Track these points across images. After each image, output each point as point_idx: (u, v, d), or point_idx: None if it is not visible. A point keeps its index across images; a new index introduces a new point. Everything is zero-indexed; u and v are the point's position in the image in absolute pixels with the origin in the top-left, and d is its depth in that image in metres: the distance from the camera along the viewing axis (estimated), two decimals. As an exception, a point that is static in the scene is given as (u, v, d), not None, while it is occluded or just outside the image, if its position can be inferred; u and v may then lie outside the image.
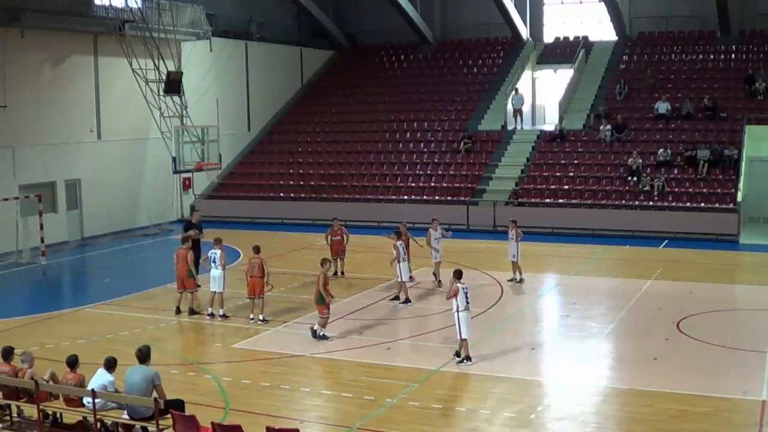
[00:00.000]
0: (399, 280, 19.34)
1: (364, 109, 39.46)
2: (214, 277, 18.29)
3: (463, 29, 43.10)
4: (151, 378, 10.87)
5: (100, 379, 10.99)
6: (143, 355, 11.15)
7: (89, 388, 10.85)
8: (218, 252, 18.38)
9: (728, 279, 23.11)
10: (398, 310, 18.83)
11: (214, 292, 18.37)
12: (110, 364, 11.21)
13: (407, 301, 19.23)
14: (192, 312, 18.62)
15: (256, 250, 18.16)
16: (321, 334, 16.43)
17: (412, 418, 12.32)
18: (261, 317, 17.88)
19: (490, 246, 24.46)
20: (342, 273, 22.54)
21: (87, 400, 10.95)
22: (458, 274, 14.77)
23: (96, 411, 10.72)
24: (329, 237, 22.63)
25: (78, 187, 30.21)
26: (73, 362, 11.42)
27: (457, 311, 14.61)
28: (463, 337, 14.72)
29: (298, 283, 22.08)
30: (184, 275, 18.57)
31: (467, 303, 14.68)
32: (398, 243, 19.40)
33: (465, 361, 14.72)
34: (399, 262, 19.20)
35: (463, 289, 14.66)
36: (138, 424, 10.84)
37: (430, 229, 21.16)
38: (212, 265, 18.33)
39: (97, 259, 27.40)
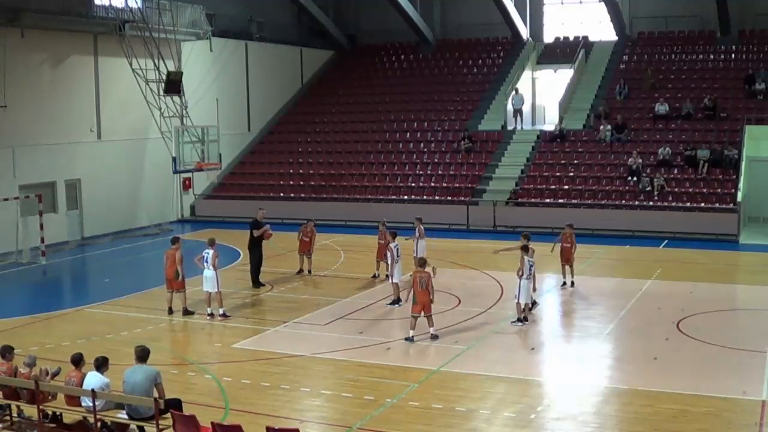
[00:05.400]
0: (392, 281, 19.31)
1: (364, 109, 39.47)
2: (207, 278, 18.26)
3: (463, 29, 43.10)
4: (153, 377, 10.90)
5: (92, 381, 10.95)
6: (143, 355, 11.16)
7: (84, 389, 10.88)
8: (211, 252, 18.37)
9: (728, 279, 23.11)
10: (397, 310, 18.81)
11: (209, 293, 18.35)
12: (100, 364, 11.19)
13: (397, 301, 19.18)
14: (186, 312, 18.58)
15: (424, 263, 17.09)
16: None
17: (412, 418, 12.32)
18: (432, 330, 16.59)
19: (490, 246, 24.44)
20: (309, 271, 23.01)
21: (84, 400, 10.97)
22: (525, 249, 17.49)
23: (96, 411, 10.73)
24: (300, 236, 23.09)
25: (78, 187, 30.22)
26: (77, 360, 11.46)
27: (520, 278, 17.15)
28: (519, 301, 17.27)
29: (298, 283, 22.12)
30: (172, 276, 18.52)
31: (530, 272, 17.21)
32: (393, 244, 19.35)
33: (518, 322, 17.27)
34: (394, 263, 19.13)
35: (528, 261, 17.22)
36: (136, 424, 10.86)
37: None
38: (205, 265, 18.33)
39: (97, 259, 27.39)
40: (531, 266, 17.40)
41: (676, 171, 30.85)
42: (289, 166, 36.77)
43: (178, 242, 18.96)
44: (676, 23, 38.76)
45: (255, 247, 21.57)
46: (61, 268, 26.04)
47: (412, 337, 16.30)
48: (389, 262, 19.38)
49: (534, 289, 17.65)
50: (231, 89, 37.12)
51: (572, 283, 21.08)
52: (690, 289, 20.59)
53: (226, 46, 36.84)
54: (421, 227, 22.14)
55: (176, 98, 31.20)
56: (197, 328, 17.95)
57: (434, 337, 16.32)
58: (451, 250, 25.75)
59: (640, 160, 30.70)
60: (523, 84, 38.39)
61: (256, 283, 21.41)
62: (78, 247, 29.02)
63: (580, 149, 33.23)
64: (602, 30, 40.63)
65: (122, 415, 10.89)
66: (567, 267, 21.09)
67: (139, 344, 11.58)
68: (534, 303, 18.29)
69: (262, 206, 23.77)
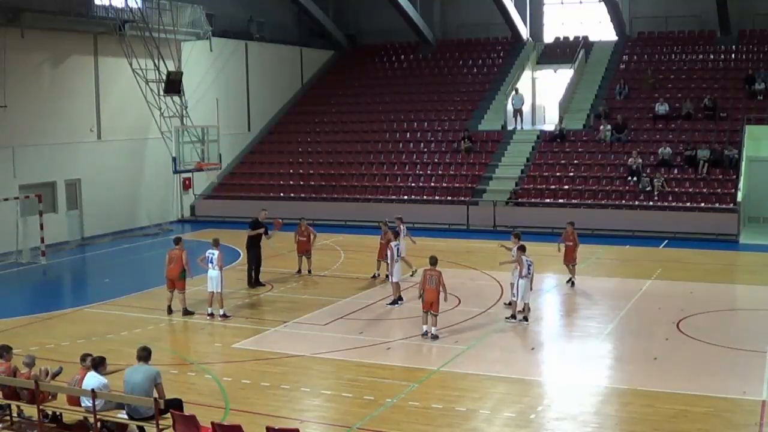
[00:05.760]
0: (392, 280, 19.32)
1: (364, 109, 39.47)
2: (212, 278, 18.24)
3: (463, 29, 43.11)
4: (153, 377, 10.94)
5: (90, 382, 10.95)
6: (143, 355, 11.19)
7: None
8: (216, 252, 18.37)
9: (728, 279, 23.12)
10: (397, 310, 18.82)
11: (212, 293, 18.36)
12: (97, 363, 11.20)
13: (398, 300, 19.20)
14: (186, 312, 18.57)
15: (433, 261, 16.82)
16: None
17: (412, 418, 12.32)
18: (433, 330, 16.55)
19: (490, 246, 24.42)
20: (309, 271, 23.01)
21: (83, 400, 10.97)
22: (523, 248, 17.73)
23: (96, 411, 10.73)
24: (296, 236, 23.07)
25: (78, 187, 30.21)
26: (84, 358, 11.50)
27: (519, 277, 17.33)
28: (516, 300, 17.52)
29: (298, 283, 22.12)
30: (176, 276, 18.49)
31: (529, 271, 17.38)
32: (393, 243, 19.38)
33: (512, 319, 17.50)
34: (393, 262, 19.15)
35: (527, 261, 17.38)
36: (136, 424, 10.86)
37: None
38: (210, 265, 18.31)
39: (97, 259, 27.39)
40: (530, 265, 17.48)
41: (676, 171, 30.84)
42: (289, 166, 36.77)
43: (182, 242, 18.97)
44: (676, 23, 38.76)
45: (253, 247, 21.55)
46: (61, 268, 26.04)
47: (426, 331, 16.40)
48: (389, 262, 19.41)
49: (530, 288, 17.65)
50: (231, 89, 37.12)
51: (572, 283, 21.10)
52: (690, 289, 20.58)
53: (226, 46, 36.84)
54: (403, 227, 22.25)
55: (176, 98, 31.21)
56: (197, 328, 17.95)
57: (434, 337, 16.33)
58: (451, 250, 25.74)
59: (640, 160, 30.70)
60: (523, 84, 38.39)
61: (254, 282, 21.40)
62: (78, 247, 29.02)
63: (580, 149, 33.23)
64: (602, 30, 40.64)
65: (122, 415, 10.90)
66: (570, 266, 21.13)
67: (140, 344, 11.61)
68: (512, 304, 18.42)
69: (265, 207, 23.79)
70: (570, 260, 21.04)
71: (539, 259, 22.35)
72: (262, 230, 21.52)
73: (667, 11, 38.67)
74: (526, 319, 17.47)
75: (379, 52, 43.84)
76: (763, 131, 30.95)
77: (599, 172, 31.67)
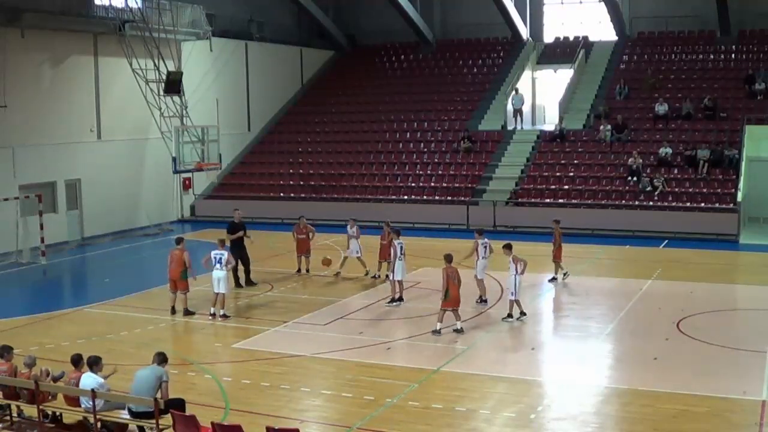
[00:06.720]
0: (393, 278, 19.29)
1: (364, 109, 39.47)
2: (219, 279, 18.17)
3: (463, 29, 43.11)
4: (160, 375, 11.06)
5: (87, 382, 10.94)
6: (159, 359, 11.36)
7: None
8: (225, 253, 18.34)
9: (728, 279, 23.11)
10: (397, 310, 18.82)
11: (217, 294, 18.28)
12: (92, 363, 11.20)
13: (399, 300, 19.20)
14: (187, 312, 18.54)
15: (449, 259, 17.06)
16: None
17: (412, 418, 12.32)
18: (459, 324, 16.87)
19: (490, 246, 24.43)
20: (307, 270, 23.00)
21: (83, 401, 10.97)
22: (510, 247, 17.96)
23: (96, 411, 10.73)
24: (295, 235, 23.03)
25: (78, 187, 30.21)
26: (77, 361, 11.49)
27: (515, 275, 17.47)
28: (511, 298, 17.62)
29: (298, 283, 22.12)
30: (177, 276, 18.46)
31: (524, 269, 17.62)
32: (397, 242, 19.37)
33: (508, 318, 17.56)
34: (395, 260, 19.14)
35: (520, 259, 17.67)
36: (136, 424, 10.87)
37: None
38: (218, 266, 18.23)
39: (97, 259, 27.39)
40: (525, 264, 17.71)
41: (676, 171, 30.84)
42: (289, 166, 36.77)
43: (183, 242, 18.95)
44: (676, 23, 38.76)
45: (237, 249, 21.03)
46: (61, 268, 26.03)
47: (440, 329, 16.47)
48: (392, 260, 19.37)
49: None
50: (231, 89, 37.13)
51: (553, 279, 21.46)
52: (690, 289, 20.58)
53: (226, 46, 36.84)
54: (357, 227, 22.43)
55: (176, 98, 31.22)
56: (197, 328, 17.95)
57: (460, 331, 16.49)
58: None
59: (640, 160, 30.70)
60: (523, 84, 38.39)
61: (245, 282, 21.32)
62: (78, 247, 29.02)
63: (580, 149, 33.22)
64: (602, 30, 40.65)
65: (123, 415, 10.91)
66: (558, 263, 21.45)
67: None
68: (484, 300, 19.03)
69: (238, 207, 23.46)
70: (556, 257, 21.39)
71: (539, 259, 22.40)
72: (241, 233, 21.27)
73: (667, 11, 38.67)
74: (514, 315, 17.58)
75: (379, 52, 43.85)
76: (763, 131, 30.94)
77: (599, 172, 31.67)
